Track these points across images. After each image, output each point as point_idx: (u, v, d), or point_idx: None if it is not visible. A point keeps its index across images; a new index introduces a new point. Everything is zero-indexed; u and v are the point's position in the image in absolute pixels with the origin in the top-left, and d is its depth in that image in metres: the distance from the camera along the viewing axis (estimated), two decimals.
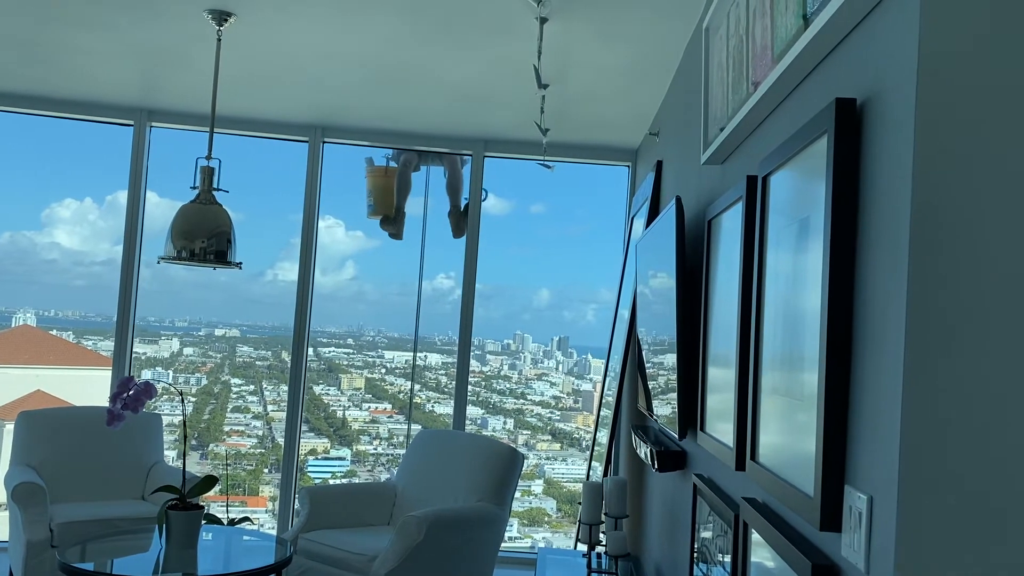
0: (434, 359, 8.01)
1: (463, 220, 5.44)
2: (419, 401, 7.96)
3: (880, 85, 1.34)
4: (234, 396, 7.96)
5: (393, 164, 5.46)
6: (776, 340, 1.73)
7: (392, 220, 5.48)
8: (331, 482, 6.87)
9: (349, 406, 7.92)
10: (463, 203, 5.48)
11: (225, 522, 4.26)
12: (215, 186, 3.92)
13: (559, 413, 7.96)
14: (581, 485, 4.03)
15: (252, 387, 8.01)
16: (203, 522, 3.52)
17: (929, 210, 1.18)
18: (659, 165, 4.07)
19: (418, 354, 8.01)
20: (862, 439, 1.32)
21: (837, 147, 1.41)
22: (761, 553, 1.75)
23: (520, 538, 7.11)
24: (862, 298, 1.36)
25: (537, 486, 7.61)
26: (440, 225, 5.66)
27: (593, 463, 5.11)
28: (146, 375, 7.15)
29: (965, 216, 1.18)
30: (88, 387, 6.72)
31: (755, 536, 1.79)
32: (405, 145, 5.46)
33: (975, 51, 1.20)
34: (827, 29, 1.51)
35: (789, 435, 1.60)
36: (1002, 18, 1.20)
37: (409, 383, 7.99)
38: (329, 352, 8.10)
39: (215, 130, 4.02)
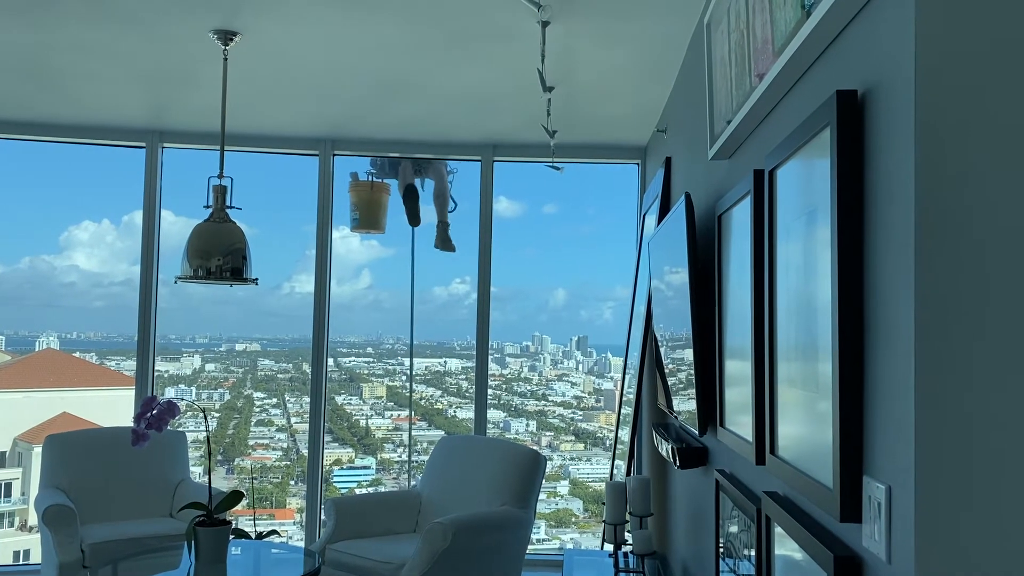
0: (454, 364, 8.03)
1: (448, 236, 5.48)
2: (440, 407, 7.98)
3: (880, 75, 1.34)
4: (257, 410, 8.02)
5: (376, 179, 5.49)
6: (790, 333, 1.73)
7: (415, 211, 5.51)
8: (357, 491, 6.90)
9: (372, 415, 7.96)
10: (448, 215, 5.52)
11: (253, 536, 4.29)
12: (228, 204, 3.95)
13: (581, 413, 7.96)
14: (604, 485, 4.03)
15: (275, 400, 8.06)
16: (231, 537, 3.55)
17: (933, 199, 1.19)
18: (668, 161, 4.07)
19: (437, 360, 8.04)
20: (878, 429, 1.32)
21: (840, 139, 1.41)
22: (784, 546, 1.75)
23: (548, 540, 7.11)
24: (872, 288, 1.36)
25: (563, 487, 7.61)
26: (455, 232, 5.69)
27: (617, 462, 5.11)
28: (169, 393, 7.22)
29: (969, 203, 1.19)
30: (113, 407, 6.78)
31: (778, 530, 1.79)
32: (414, 154, 5.48)
33: (972, 38, 1.20)
34: (826, 20, 1.51)
35: (807, 427, 1.61)
36: (998, 6, 1.20)
37: (431, 389, 8.01)
38: (349, 362, 8.13)
39: (226, 148, 4.06)
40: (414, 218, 5.46)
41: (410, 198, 5.41)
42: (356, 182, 5.45)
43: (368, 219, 5.41)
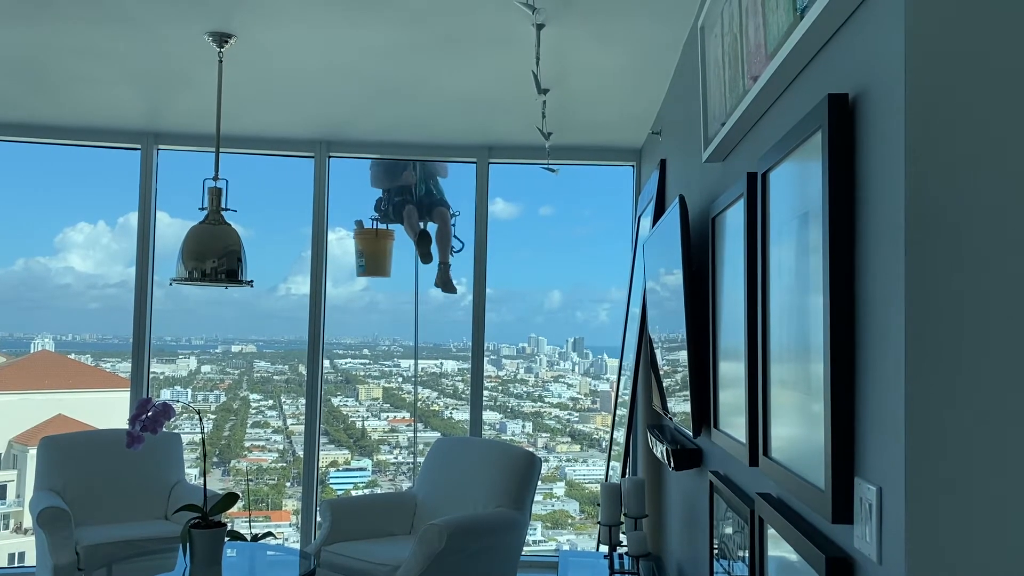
0: (450, 365, 8.02)
1: (449, 278, 5.50)
2: (437, 408, 7.97)
3: (871, 79, 1.35)
4: (253, 411, 8.00)
5: (382, 226, 5.50)
6: (782, 336, 1.73)
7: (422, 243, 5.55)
8: (353, 493, 6.90)
9: (368, 416, 7.95)
10: (450, 257, 5.54)
11: (249, 538, 4.29)
12: (223, 206, 3.95)
13: (577, 414, 7.96)
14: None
15: (271, 402, 8.05)
16: (226, 539, 3.54)
17: (923, 202, 1.19)
18: (663, 164, 4.08)
19: (434, 361, 8.03)
20: (869, 431, 1.33)
21: (831, 142, 1.42)
22: (777, 547, 1.76)
23: (544, 541, 7.11)
24: (863, 291, 1.37)
25: (559, 488, 7.61)
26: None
27: (612, 463, 5.12)
28: (165, 394, 7.21)
29: (959, 206, 1.19)
30: (108, 409, 6.77)
31: (771, 531, 1.80)
32: (410, 156, 5.48)
33: (961, 41, 1.21)
34: (819, 23, 1.52)
35: (799, 429, 1.61)
36: (986, 8, 1.21)
37: (427, 391, 8.00)
38: (345, 363, 8.12)
39: (221, 150, 4.06)
40: (426, 256, 5.51)
41: (423, 242, 5.46)
42: (361, 229, 5.50)
43: (374, 266, 5.47)
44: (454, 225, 5.57)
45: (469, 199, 5.46)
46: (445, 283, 5.54)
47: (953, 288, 1.18)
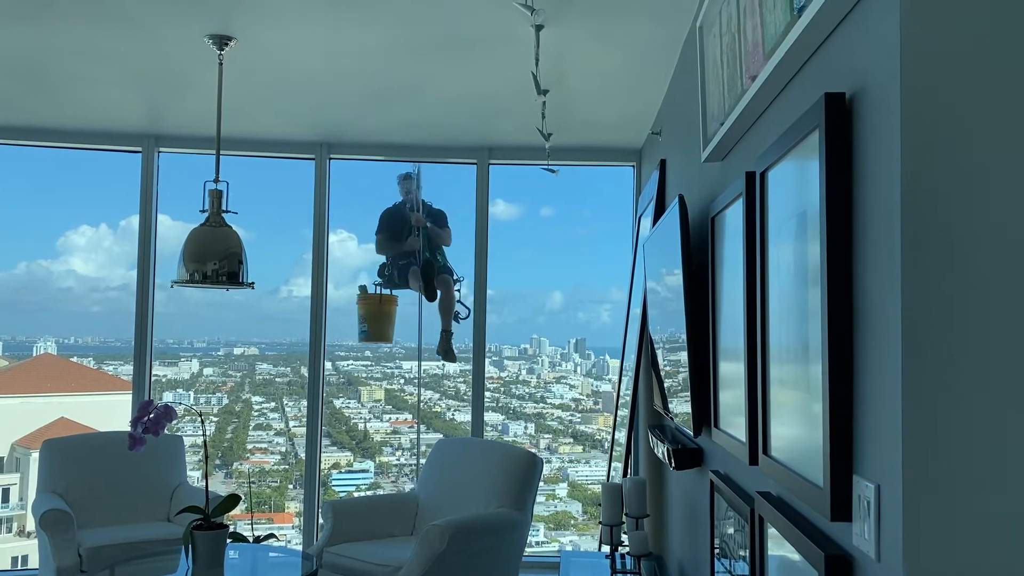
0: (451, 367, 8.02)
1: (451, 346, 5.44)
2: (439, 409, 7.97)
3: (867, 78, 1.35)
4: (255, 414, 8.01)
5: (387, 291, 5.47)
6: (781, 335, 1.74)
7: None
8: (355, 495, 6.90)
9: (370, 418, 7.95)
10: (452, 325, 5.48)
11: (251, 540, 4.29)
12: (224, 208, 3.96)
13: (580, 415, 7.95)
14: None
15: (273, 404, 8.05)
16: (228, 541, 3.55)
17: (919, 200, 1.20)
18: (663, 164, 4.08)
19: (435, 363, 8.03)
20: (867, 428, 1.33)
21: (828, 141, 1.42)
22: (777, 546, 1.76)
23: (547, 542, 7.11)
24: (861, 290, 1.37)
25: (561, 489, 7.61)
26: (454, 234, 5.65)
27: (614, 464, 5.11)
28: (167, 397, 7.22)
29: (955, 204, 1.20)
30: (111, 412, 6.78)
31: (771, 530, 1.80)
32: (410, 158, 5.48)
33: (957, 41, 1.21)
34: (815, 22, 1.52)
35: (798, 428, 1.61)
36: (981, 8, 1.21)
37: (429, 392, 8.00)
38: (348, 365, 8.13)
39: (222, 152, 4.07)
40: (431, 292, 5.43)
41: (427, 272, 5.37)
42: (365, 295, 5.46)
43: (377, 331, 5.44)
44: (458, 291, 5.52)
45: (469, 200, 5.46)
46: (446, 351, 5.50)
47: (949, 286, 1.18)
